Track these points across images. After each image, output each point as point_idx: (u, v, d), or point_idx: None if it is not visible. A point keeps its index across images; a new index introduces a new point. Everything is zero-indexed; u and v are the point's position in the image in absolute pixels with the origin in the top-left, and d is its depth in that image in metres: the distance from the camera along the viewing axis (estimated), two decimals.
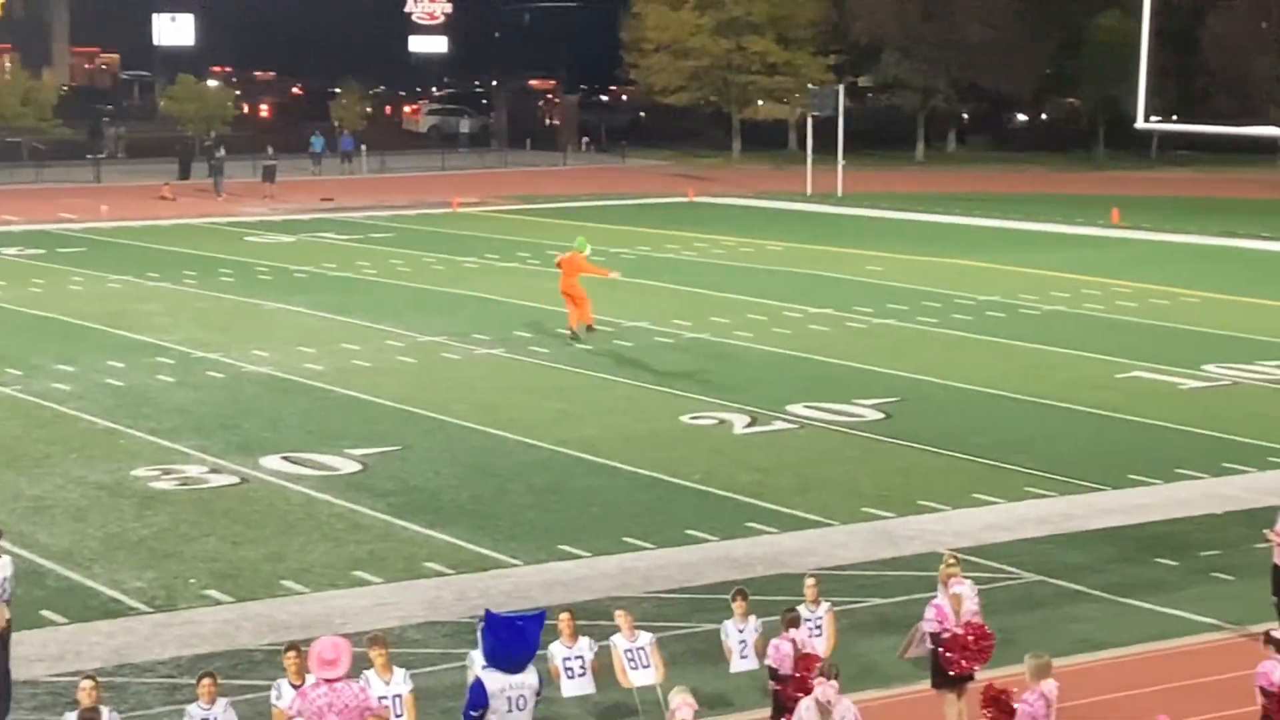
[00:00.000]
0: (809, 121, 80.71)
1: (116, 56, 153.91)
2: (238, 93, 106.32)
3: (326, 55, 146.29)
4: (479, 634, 15.52)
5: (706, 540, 24.24)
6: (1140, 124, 65.79)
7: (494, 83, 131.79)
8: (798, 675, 16.27)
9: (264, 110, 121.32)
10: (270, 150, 79.09)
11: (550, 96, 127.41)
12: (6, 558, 18.05)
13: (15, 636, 18.47)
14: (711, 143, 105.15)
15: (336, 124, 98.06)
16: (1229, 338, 40.17)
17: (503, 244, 57.59)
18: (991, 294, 46.38)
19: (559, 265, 39.24)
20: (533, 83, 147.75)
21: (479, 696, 14.91)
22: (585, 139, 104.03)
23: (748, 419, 31.54)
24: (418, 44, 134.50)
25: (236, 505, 25.94)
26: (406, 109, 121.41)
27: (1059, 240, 60.49)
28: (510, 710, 14.93)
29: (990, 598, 19.61)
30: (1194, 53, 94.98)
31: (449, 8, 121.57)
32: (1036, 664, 15.12)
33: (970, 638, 16.90)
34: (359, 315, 42.83)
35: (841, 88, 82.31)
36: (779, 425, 31.16)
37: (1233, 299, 46.22)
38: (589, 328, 38.31)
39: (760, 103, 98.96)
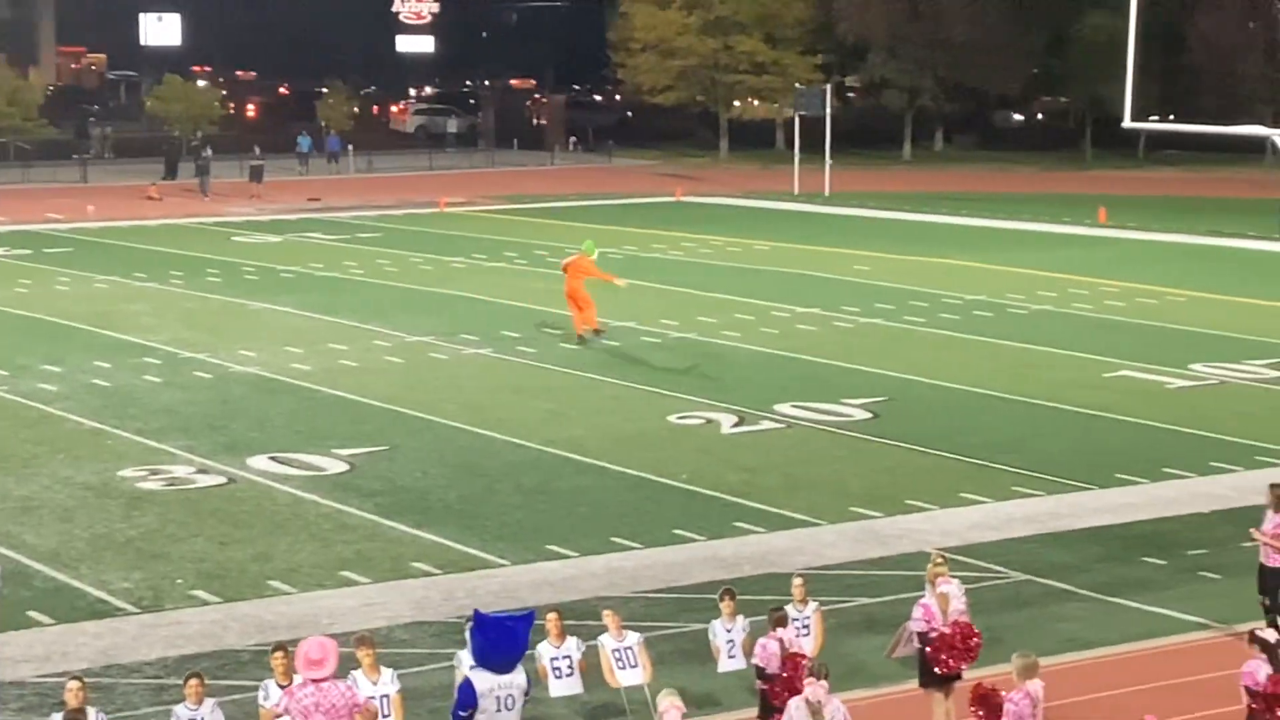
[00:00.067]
0: (796, 121, 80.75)
1: (103, 56, 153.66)
2: (224, 93, 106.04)
3: (313, 55, 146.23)
4: (467, 634, 15.51)
5: (694, 540, 24.24)
6: (1127, 123, 66.22)
7: (485, 83, 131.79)
8: (785, 674, 16.27)
9: (250, 110, 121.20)
10: (257, 150, 79.04)
11: (539, 96, 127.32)
12: None
13: (1, 637, 18.45)
14: (699, 142, 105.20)
15: (323, 124, 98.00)
16: (1216, 337, 40.22)
17: (490, 244, 57.57)
18: (979, 293, 46.40)
19: (564, 269, 39.31)
20: (512, 82, 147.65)
21: (468, 696, 14.89)
22: (573, 139, 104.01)
23: (735, 419, 31.54)
24: (405, 44, 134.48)
25: (224, 505, 25.91)
26: (394, 109, 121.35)
27: (1046, 240, 60.53)
28: (499, 710, 14.91)
29: (978, 597, 19.62)
30: (1181, 52, 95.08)
31: (436, 7, 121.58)
32: (1023, 663, 15.12)
33: (958, 637, 16.91)
34: (346, 315, 42.80)
35: (829, 87, 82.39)
36: (766, 425, 31.16)
37: (1220, 298, 46.28)
38: (596, 331, 38.42)
39: (755, 103, 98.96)
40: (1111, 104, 74.14)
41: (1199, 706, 17.90)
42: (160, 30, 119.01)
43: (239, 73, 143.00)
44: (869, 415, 31.87)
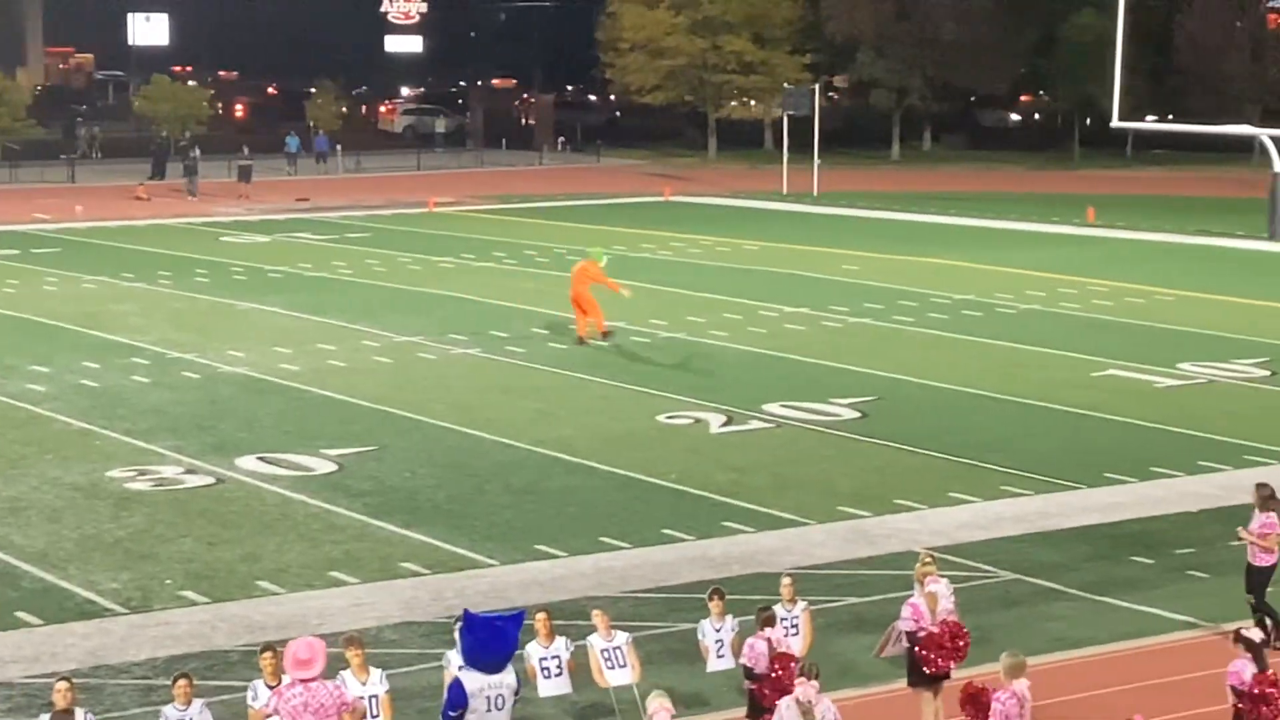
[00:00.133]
0: (785, 121, 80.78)
1: (91, 56, 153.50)
2: (212, 93, 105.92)
3: (302, 55, 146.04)
4: (457, 634, 15.50)
5: (683, 539, 24.24)
6: (1115, 123, 66.34)
7: (477, 83, 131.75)
8: (773, 674, 16.27)
9: (239, 110, 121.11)
10: (245, 150, 78.98)
11: (527, 96, 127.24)
12: None
13: None
14: (687, 142, 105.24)
15: (311, 124, 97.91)
16: (1204, 336, 40.26)
17: (479, 244, 57.56)
18: (967, 293, 46.43)
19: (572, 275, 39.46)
20: (494, 82, 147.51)
21: (458, 696, 14.89)
22: (561, 139, 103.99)
23: (724, 418, 31.54)
24: (393, 44, 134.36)
25: (212, 506, 25.89)
26: (382, 109, 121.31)
27: (1035, 239, 60.59)
28: (489, 710, 14.91)
29: (966, 596, 19.64)
30: (1168, 52, 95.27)
31: (424, 7, 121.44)
32: (1011, 663, 15.13)
33: (946, 636, 16.92)
34: (335, 315, 42.77)
35: (817, 87, 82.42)
36: (755, 424, 31.16)
37: (1208, 297, 46.33)
38: (604, 334, 38.49)
39: (749, 103, 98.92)
40: (1099, 103, 74.19)
41: (1187, 706, 17.92)
42: (148, 30, 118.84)
43: (221, 72, 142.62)
44: (857, 415, 31.89)
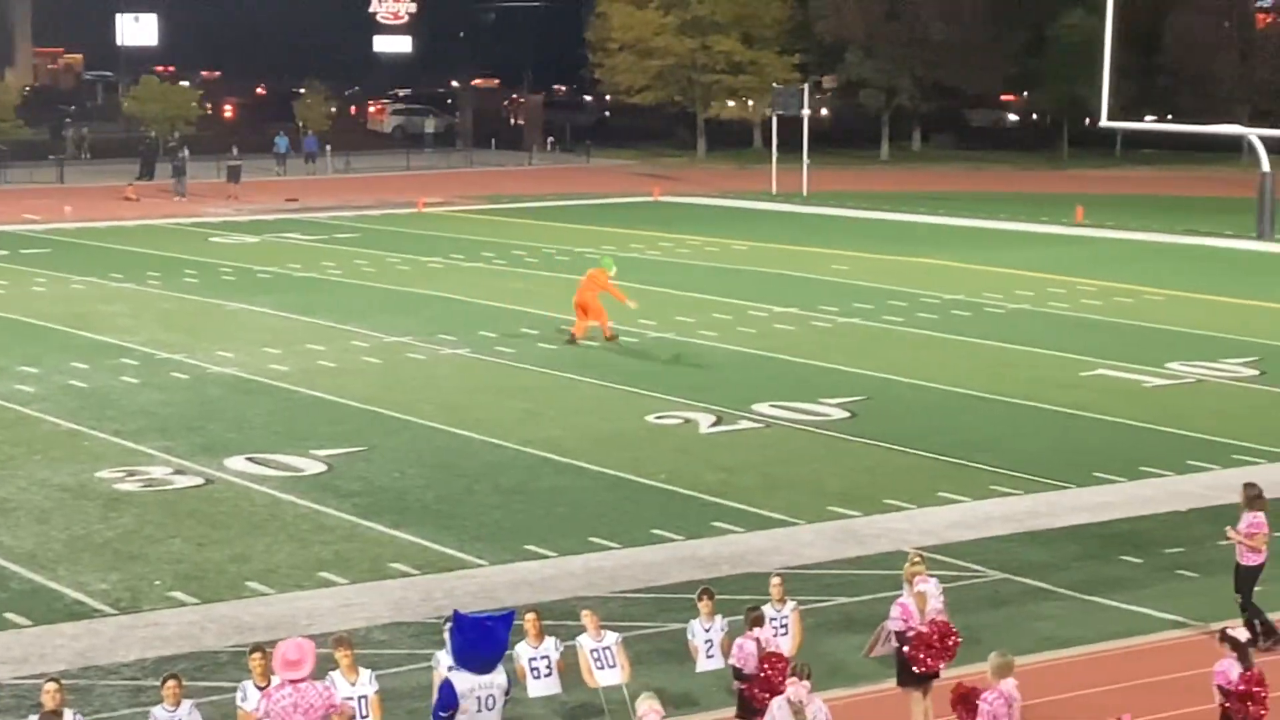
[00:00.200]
0: (774, 120, 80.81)
1: (80, 57, 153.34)
2: (200, 93, 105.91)
3: (291, 55, 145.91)
4: (446, 635, 15.50)
5: (672, 540, 24.24)
6: (1104, 122, 66.40)
7: (469, 83, 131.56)
8: (762, 674, 16.27)
9: (227, 111, 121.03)
10: (235, 150, 78.92)
11: (516, 97, 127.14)
12: None
13: None
14: (676, 142, 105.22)
15: (300, 124, 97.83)
16: (1193, 335, 40.30)
17: (468, 244, 57.54)
18: (957, 293, 46.46)
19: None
20: (475, 82, 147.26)
21: (449, 697, 14.90)
22: (550, 139, 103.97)
23: (713, 418, 31.55)
24: (382, 44, 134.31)
25: (201, 507, 25.87)
26: (371, 109, 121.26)
27: (1024, 239, 60.63)
28: (480, 710, 14.92)
29: (955, 596, 19.66)
30: (1157, 51, 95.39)
31: (413, 7, 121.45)
32: (999, 663, 15.14)
33: (935, 636, 16.93)
34: (324, 316, 42.75)
35: (806, 86, 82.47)
36: (744, 424, 31.17)
37: (1197, 297, 46.38)
38: (609, 338, 38.56)
39: (736, 102, 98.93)
40: (1088, 103, 74.26)
41: (1177, 705, 17.94)
42: (137, 30, 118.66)
43: (204, 73, 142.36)
44: (847, 415, 31.90)
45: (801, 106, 77.69)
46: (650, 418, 31.68)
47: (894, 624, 17.11)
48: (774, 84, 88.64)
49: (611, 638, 17.07)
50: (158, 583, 22.37)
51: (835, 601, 21.49)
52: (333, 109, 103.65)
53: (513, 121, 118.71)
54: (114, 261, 53.03)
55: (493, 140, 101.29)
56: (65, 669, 18.94)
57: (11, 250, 56.05)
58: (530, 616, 16.83)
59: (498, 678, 15.05)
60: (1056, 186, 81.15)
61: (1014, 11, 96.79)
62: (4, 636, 20.35)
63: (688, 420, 31.45)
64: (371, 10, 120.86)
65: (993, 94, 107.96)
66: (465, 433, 30.46)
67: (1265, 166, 59.87)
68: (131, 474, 27.61)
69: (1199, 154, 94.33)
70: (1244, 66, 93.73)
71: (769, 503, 25.99)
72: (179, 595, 21.90)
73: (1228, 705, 15.48)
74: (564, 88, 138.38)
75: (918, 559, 17.62)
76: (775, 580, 17.73)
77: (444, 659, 15.67)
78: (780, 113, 79.87)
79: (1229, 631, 15.75)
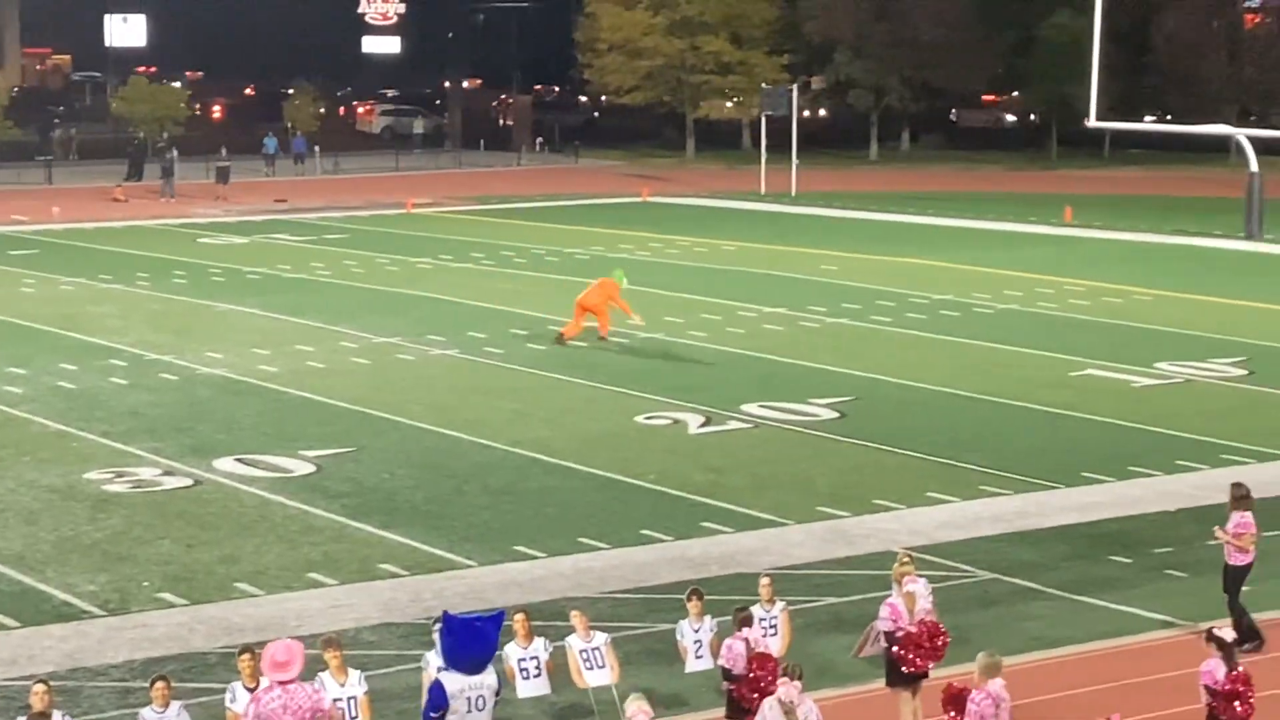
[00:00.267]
0: (763, 121, 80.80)
1: (69, 57, 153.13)
2: (189, 94, 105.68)
3: (279, 56, 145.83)
4: (436, 635, 15.50)
5: (661, 540, 24.24)
6: (1092, 123, 66.44)
7: (458, 83, 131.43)
8: (751, 675, 16.27)
9: (216, 111, 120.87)
10: (223, 151, 78.84)
11: (505, 97, 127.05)
12: None
13: None
14: (665, 143, 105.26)
15: (289, 125, 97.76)
16: (1181, 335, 40.35)
17: (457, 245, 57.52)
18: (945, 293, 46.49)
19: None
20: (447, 84, 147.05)
21: (439, 697, 14.89)
22: (539, 139, 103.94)
23: (702, 419, 31.55)
24: (371, 44, 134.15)
25: (190, 508, 25.84)
26: (360, 109, 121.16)
27: (1012, 239, 60.68)
28: (470, 711, 14.91)
29: (944, 596, 19.66)
30: (1145, 52, 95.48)
31: (402, 8, 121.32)
32: (986, 663, 15.14)
33: (924, 636, 16.94)
34: (313, 316, 42.72)
35: (795, 87, 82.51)
36: (734, 425, 31.18)
37: (1185, 297, 46.43)
38: (601, 338, 38.51)
39: (728, 104, 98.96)
40: (1077, 103, 74.33)
41: (1166, 704, 17.96)
42: (125, 31, 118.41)
43: (195, 73, 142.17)
44: (836, 415, 31.91)
45: (790, 107, 77.74)
46: (639, 418, 31.68)
47: (883, 624, 17.11)
48: (763, 84, 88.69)
49: (600, 638, 17.07)
50: (146, 584, 22.35)
51: (824, 602, 21.49)
52: (321, 110, 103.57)
53: (501, 122, 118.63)
54: (103, 262, 52.98)
55: (482, 141, 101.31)
56: (54, 670, 18.91)
57: (0, 251, 55.96)
58: (519, 617, 16.84)
59: (488, 678, 15.05)
60: (1045, 186, 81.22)
61: (1002, 12, 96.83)
62: None
63: (677, 421, 31.45)
64: (360, 11, 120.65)
65: (977, 95, 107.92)
66: (454, 433, 30.45)
67: (1253, 167, 59.94)
68: (120, 475, 27.58)
69: (1187, 154, 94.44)
70: (1232, 66, 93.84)
71: (758, 503, 26.00)
72: (168, 596, 21.87)
73: (1214, 705, 15.50)
74: (556, 89, 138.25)
75: (906, 559, 17.62)
76: (764, 580, 17.75)
77: (433, 660, 15.67)
78: (769, 113, 79.91)
79: (1215, 631, 15.77)
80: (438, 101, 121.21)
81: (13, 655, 19.81)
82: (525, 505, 26.02)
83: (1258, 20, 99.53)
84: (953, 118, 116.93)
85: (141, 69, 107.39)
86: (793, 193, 74.37)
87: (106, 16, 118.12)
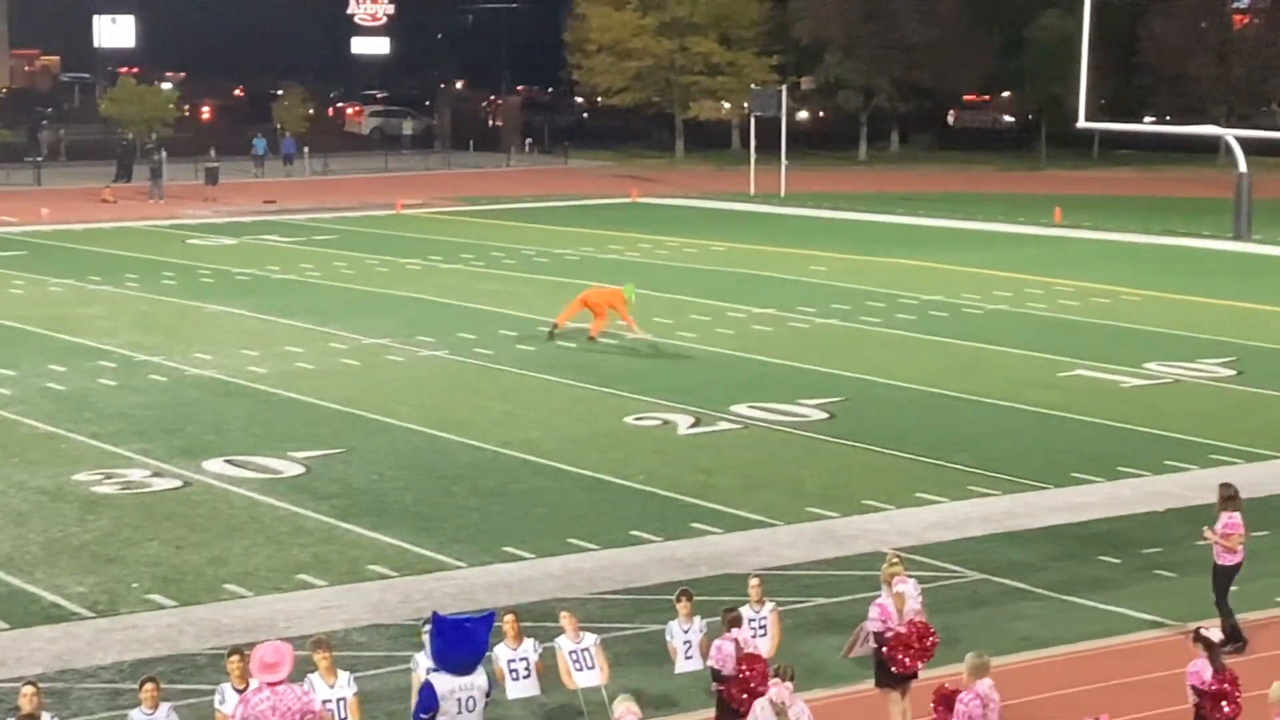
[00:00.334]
0: (752, 122, 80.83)
1: (57, 58, 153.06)
2: (178, 95, 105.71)
3: (268, 57, 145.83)
4: (425, 637, 15.49)
5: (651, 541, 24.24)
6: (1081, 123, 66.50)
7: (456, 84, 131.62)
8: (740, 675, 16.27)
9: (205, 112, 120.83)
10: (212, 152, 78.77)
11: (495, 98, 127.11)
12: None
13: None
14: (655, 143, 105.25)
15: (278, 126, 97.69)
16: (1170, 336, 40.39)
17: (446, 245, 57.50)
18: (934, 293, 46.51)
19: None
20: (442, 84, 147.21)
21: (429, 699, 14.88)
22: (529, 140, 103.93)
23: (692, 419, 31.55)
24: (360, 45, 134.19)
25: (179, 509, 25.82)
26: (349, 110, 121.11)
27: (1002, 239, 60.72)
28: (460, 712, 14.91)
29: (934, 596, 19.68)
30: (1134, 53, 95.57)
31: (391, 9, 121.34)
32: (975, 663, 15.15)
33: (914, 636, 16.95)
34: (302, 317, 42.69)
35: (784, 88, 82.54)
36: (723, 425, 31.18)
37: (1174, 297, 46.48)
38: (591, 338, 38.50)
39: (723, 105, 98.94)
40: (1066, 104, 74.41)
41: (1155, 704, 17.97)
42: (114, 32, 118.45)
43: (179, 74, 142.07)
44: (825, 415, 31.92)
45: (780, 108, 77.77)
46: (629, 419, 31.68)
47: (872, 624, 17.12)
48: (752, 85, 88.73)
49: (590, 639, 17.07)
50: (135, 585, 22.33)
51: (814, 602, 21.50)
52: (311, 111, 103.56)
53: (491, 123, 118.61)
54: (91, 264, 52.94)
55: (471, 142, 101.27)
56: (42, 672, 18.89)
57: None
58: (509, 618, 16.83)
59: (478, 679, 15.05)
60: (1034, 187, 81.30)
61: (992, 13, 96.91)
62: None
63: (666, 421, 31.45)
64: (349, 12, 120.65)
65: (961, 96, 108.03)
66: (444, 434, 30.44)
67: (1242, 167, 60.02)
68: (109, 476, 27.56)
69: (1176, 155, 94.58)
70: (1221, 67, 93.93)
71: (747, 504, 26.00)
72: (157, 598, 21.85)
73: (1202, 705, 15.51)
74: (544, 89, 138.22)
75: (896, 560, 17.63)
76: (754, 581, 17.74)
77: (423, 661, 15.66)
78: (758, 114, 79.94)
79: (1202, 632, 15.78)
80: (427, 102, 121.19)
81: (1, 657, 19.79)
82: (515, 506, 26.02)
83: (1246, 21, 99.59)
84: (950, 120, 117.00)
85: (126, 70, 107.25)
86: (782, 193, 74.41)
87: (95, 18, 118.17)
